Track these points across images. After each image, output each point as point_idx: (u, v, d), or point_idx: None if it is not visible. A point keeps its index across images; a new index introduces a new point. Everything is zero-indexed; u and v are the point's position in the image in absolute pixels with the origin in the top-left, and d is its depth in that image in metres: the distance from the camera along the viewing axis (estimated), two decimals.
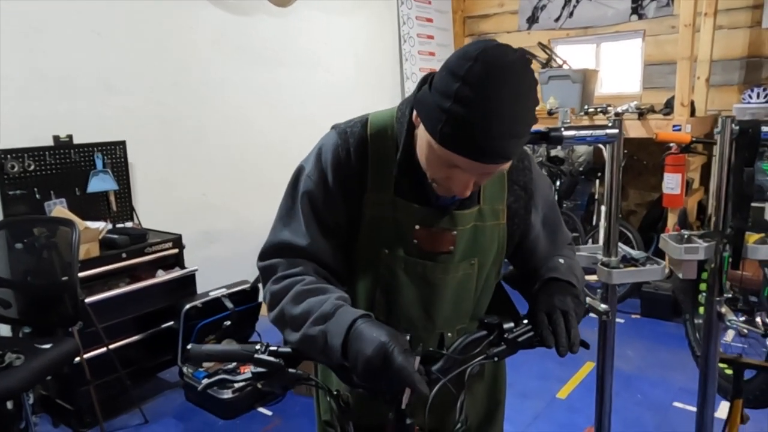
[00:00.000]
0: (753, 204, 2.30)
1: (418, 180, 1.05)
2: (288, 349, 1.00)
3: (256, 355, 0.96)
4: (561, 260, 1.16)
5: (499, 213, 1.13)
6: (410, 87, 5.19)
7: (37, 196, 2.89)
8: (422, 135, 0.97)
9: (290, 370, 0.98)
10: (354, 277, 1.14)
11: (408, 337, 0.91)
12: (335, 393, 1.05)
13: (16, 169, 2.81)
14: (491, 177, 1.01)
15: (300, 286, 1.02)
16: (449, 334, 1.16)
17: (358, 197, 1.09)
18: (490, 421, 1.31)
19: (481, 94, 0.85)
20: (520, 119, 0.89)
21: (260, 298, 3.36)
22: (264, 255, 1.12)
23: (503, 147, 0.89)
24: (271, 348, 0.98)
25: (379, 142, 1.09)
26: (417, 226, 1.08)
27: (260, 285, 3.28)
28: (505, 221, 1.15)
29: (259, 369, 0.97)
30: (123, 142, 3.24)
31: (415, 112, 0.99)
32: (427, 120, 0.93)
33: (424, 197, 1.07)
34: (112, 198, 3.21)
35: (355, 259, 1.12)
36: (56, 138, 2.98)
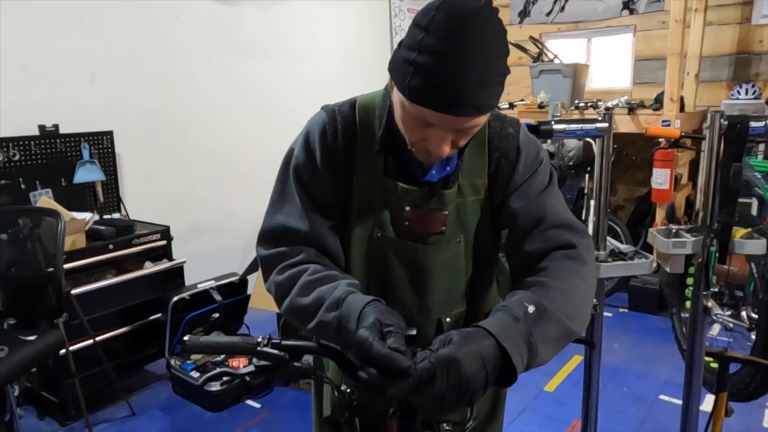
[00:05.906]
0: (740, 199, 2.31)
1: (403, 158, 1.04)
2: (291, 342, 0.96)
3: (259, 348, 0.94)
4: (531, 308, 0.90)
5: (479, 188, 1.10)
6: None
7: (23, 186, 2.85)
8: (397, 97, 0.95)
9: (295, 363, 0.96)
10: (347, 265, 1.12)
11: (414, 332, 0.89)
12: (342, 388, 1.03)
13: (0, 158, 2.76)
14: (469, 141, 0.99)
15: (306, 276, 1.00)
16: (447, 319, 1.14)
17: (348, 179, 1.07)
18: (495, 411, 1.31)
19: (444, 42, 0.83)
20: (487, 68, 0.86)
21: (249, 291, 3.34)
22: (263, 241, 1.09)
23: (472, 97, 0.86)
24: (274, 341, 0.95)
25: (367, 122, 1.08)
26: (407, 208, 1.07)
27: (254, 275, 3.30)
28: (484, 196, 1.10)
29: (263, 362, 0.95)
30: (110, 133, 3.20)
31: (389, 76, 0.97)
32: (397, 77, 0.92)
33: (412, 177, 1.06)
34: (99, 189, 3.17)
35: (348, 245, 1.11)
36: (42, 127, 2.94)
